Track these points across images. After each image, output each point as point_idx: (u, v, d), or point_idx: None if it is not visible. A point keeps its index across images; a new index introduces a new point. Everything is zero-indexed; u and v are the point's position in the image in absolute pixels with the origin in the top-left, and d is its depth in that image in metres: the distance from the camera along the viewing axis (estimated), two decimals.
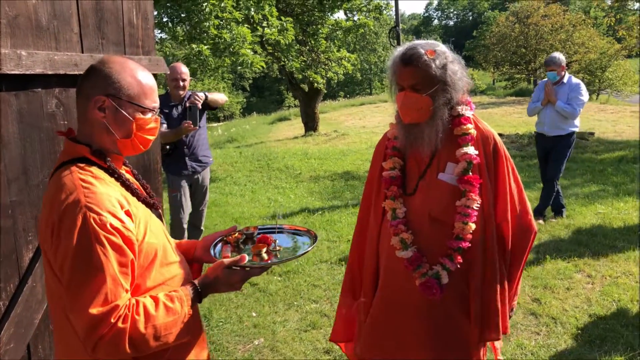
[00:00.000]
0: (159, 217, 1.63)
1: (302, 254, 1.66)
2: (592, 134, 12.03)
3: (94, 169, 1.40)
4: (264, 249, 1.60)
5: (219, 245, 1.71)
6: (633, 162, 8.79)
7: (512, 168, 2.02)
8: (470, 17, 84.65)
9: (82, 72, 2.16)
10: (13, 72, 1.96)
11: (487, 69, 33.66)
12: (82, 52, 2.30)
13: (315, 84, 12.17)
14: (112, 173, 1.43)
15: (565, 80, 5.68)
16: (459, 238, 1.90)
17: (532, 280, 4.28)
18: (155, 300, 1.34)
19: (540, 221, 5.76)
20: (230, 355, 3.31)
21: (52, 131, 2.19)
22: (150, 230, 1.43)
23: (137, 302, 1.30)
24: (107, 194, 1.33)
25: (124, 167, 1.58)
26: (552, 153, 5.76)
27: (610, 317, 3.64)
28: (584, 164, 8.96)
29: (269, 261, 1.60)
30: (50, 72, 2.10)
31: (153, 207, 1.56)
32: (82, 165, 1.39)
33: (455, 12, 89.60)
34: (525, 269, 4.47)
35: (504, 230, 1.99)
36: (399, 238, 1.94)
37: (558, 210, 5.92)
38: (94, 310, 1.23)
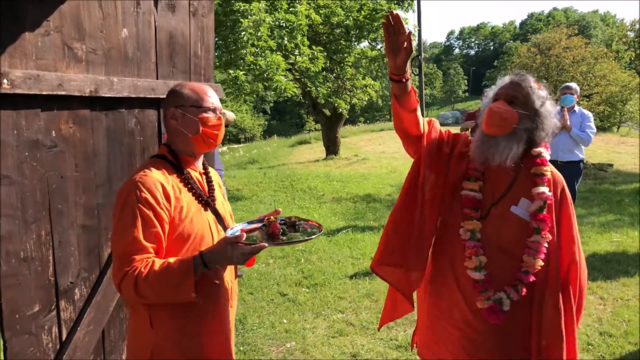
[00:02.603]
0: (215, 212, 1.97)
1: (292, 242, 1.84)
2: (611, 165, 12.20)
3: (163, 163, 1.84)
4: (270, 233, 1.84)
5: (237, 227, 1.92)
6: None
7: (574, 214, 2.12)
8: (492, 47, 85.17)
9: (156, 96, 2.59)
10: (107, 95, 2.34)
11: None
12: (157, 79, 2.68)
13: (340, 110, 12.59)
14: (177, 168, 1.87)
15: (576, 109, 5.98)
16: (527, 272, 1.98)
17: None
18: (165, 260, 1.68)
19: None
20: (265, 356, 3.61)
21: (130, 146, 2.56)
22: (190, 218, 1.81)
23: (152, 260, 1.67)
24: (155, 179, 1.75)
25: (203, 171, 1.99)
26: (565, 181, 5.97)
27: (620, 335, 3.87)
28: (602, 195, 9.15)
29: (260, 243, 1.73)
30: (133, 96, 2.48)
31: (207, 204, 1.92)
32: (156, 159, 1.84)
33: (476, 41, 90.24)
34: None
35: (572, 271, 2.05)
36: (478, 259, 1.99)
37: None
38: (119, 261, 1.67)
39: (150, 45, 2.63)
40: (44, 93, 2.06)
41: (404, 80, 1.92)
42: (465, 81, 73.24)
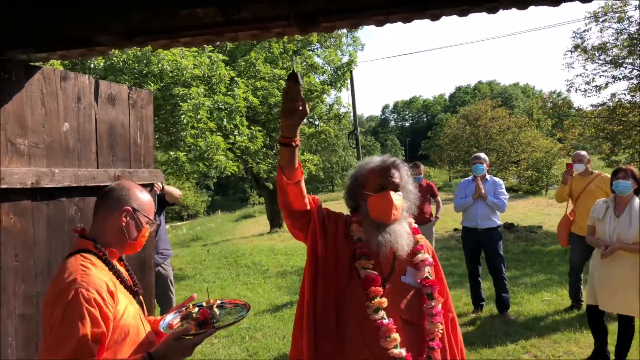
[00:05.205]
0: (139, 303, 2.03)
1: (233, 323, 1.95)
2: (541, 227, 12.86)
3: (93, 258, 1.84)
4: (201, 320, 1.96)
5: (168, 317, 2.03)
6: None
7: (442, 271, 2.28)
8: (425, 119, 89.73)
9: (97, 184, 2.66)
10: (48, 186, 2.43)
11: (442, 167, 35.44)
12: (98, 168, 2.80)
13: None
14: (107, 263, 1.88)
15: (488, 177, 6.19)
16: (433, 339, 2.05)
17: None
18: None
19: (511, 317, 5.90)
20: None
21: (70, 233, 2.63)
22: (127, 312, 1.83)
23: None
24: (98, 277, 1.76)
25: (119, 261, 2.03)
26: (488, 247, 6.03)
27: None
28: (534, 255, 9.63)
29: (208, 330, 1.86)
30: (74, 185, 2.58)
31: (135, 294, 1.98)
32: (85, 254, 1.83)
33: (410, 114, 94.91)
34: (478, 352, 4.90)
35: (453, 324, 2.21)
36: (394, 337, 1.98)
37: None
38: None
39: (91, 136, 2.77)
40: None
41: (293, 144, 1.97)
42: (403, 151, 76.22)
